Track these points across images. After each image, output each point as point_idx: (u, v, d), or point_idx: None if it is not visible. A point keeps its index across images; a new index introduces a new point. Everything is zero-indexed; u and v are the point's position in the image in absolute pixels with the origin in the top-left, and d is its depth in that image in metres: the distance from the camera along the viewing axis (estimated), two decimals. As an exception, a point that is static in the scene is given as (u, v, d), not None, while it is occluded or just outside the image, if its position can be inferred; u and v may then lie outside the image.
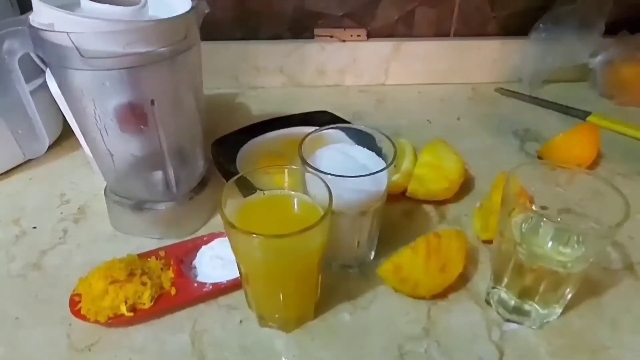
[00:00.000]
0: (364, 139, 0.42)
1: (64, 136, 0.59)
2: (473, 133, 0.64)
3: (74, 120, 0.43)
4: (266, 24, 0.71)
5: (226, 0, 0.69)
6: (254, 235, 0.30)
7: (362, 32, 0.72)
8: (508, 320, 0.38)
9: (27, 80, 0.51)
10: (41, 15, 0.34)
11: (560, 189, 0.39)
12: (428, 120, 0.66)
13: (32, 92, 0.51)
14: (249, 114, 0.68)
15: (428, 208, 0.50)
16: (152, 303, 0.37)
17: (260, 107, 0.69)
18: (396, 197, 0.49)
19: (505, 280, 0.37)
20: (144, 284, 0.38)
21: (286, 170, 0.36)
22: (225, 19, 0.70)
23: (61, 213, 0.49)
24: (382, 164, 0.39)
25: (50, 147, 0.57)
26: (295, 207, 0.36)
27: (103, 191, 0.46)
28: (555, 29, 0.67)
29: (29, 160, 0.56)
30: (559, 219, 0.37)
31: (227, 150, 0.53)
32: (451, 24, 0.73)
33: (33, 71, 0.53)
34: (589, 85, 0.73)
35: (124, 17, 0.35)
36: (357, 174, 0.36)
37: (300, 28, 0.72)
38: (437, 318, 0.39)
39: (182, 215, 0.45)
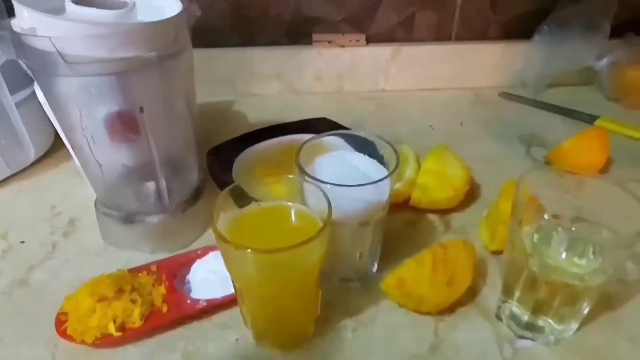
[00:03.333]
0: (364, 146, 0.40)
1: (55, 147, 0.57)
2: (477, 139, 0.62)
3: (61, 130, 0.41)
4: (263, 29, 0.70)
5: (222, 6, 0.67)
6: (248, 250, 0.28)
7: (361, 37, 0.70)
8: (521, 337, 0.36)
9: (17, 89, 0.50)
10: (23, 19, 0.32)
11: (571, 195, 0.37)
12: (430, 126, 0.65)
13: (22, 102, 0.50)
14: (245, 122, 0.66)
15: (432, 217, 0.48)
16: (143, 321, 0.35)
17: (257, 114, 0.67)
18: (399, 206, 0.47)
19: (517, 293, 0.35)
20: (133, 301, 0.36)
21: (283, 180, 0.34)
22: (221, 25, 0.69)
23: (50, 226, 0.47)
24: (384, 172, 0.37)
25: (40, 158, 0.56)
26: (293, 218, 0.34)
27: (94, 203, 0.45)
28: (559, 31, 0.65)
29: (19, 172, 0.54)
30: (573, 228, 0.35)
31: (222, 160, 0.52)
32: (452, 27, 0.71)
33: (23, 80, 0.51)
34: (595, 88, 0.71)
35: (108, 21, 0.34)
36: (358, 183, 0.34)
37: (298, 34, 0.70)
38: (444, 335, 0.36)
39: (175, 228, 0.43)
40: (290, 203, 0.34)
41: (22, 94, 0.50)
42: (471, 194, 0.50)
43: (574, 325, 0.35)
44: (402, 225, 0.47)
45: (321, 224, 0.31)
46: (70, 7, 0.34)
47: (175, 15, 0.35)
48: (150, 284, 0.38)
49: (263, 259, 0.29)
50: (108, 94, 0.35)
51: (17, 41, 0.33)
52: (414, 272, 0.36)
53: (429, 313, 0.37)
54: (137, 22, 0.35)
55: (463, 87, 0.73)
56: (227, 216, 0.33)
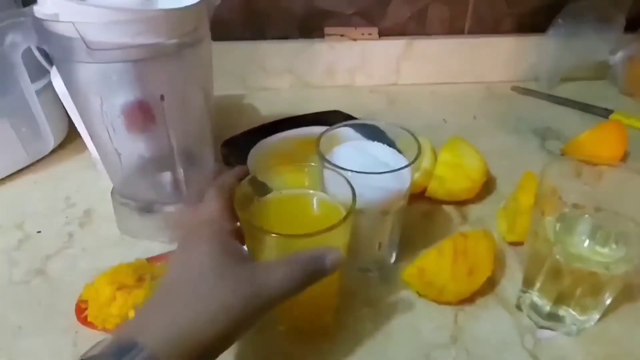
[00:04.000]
0: (381, 138, 0.40)
1: (69, 138, 0.57)
2: (491, 132, 0.62)
3: (80, 119, 0.41)
4: (274, 23, 0.69)
5: (233, 0, 0.67)
6: (274, 235, 0.28)
7: (374, 30, 0.70)
8: (542, 327, 0.36)
9: (32, 80, 0.50)
10: (45, 5, 0.32)
11: (590, 187, 0.37)
12: (444, 119, 0.64)
13: (36, 93, 0.50)
14: (257, 115, 0.66)
15: (449, 209, 0.47)
16: (162, 310, 0.35)
17: (269, 108, 0.67)
18: (415, 197, 0.47)
19: (539, 284, 0.35)
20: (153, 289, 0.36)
21: (305, 168, 0.34)
22: (232, 19, 0.68)
23: (66, 217, 0.47)
24: (403, 161, 0.37)
25: (55, 150, 0.56)
26: (315, 206, 0.34)
27: (110, 193, 0.45)
28: (573, 25, 0.65)
29: (34, 163, 0.54)
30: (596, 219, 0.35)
31: (237, 151, 0.51)
32: (465, 21, 0.71)
33: (37, 71, 0.51)
34: (609, 82, 0.71)
35: (131, 7, 0.33)
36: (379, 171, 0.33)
37: (309, 27, 0.70)
38: (464, 325, 0.36)
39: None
40: (312, 191, 0.34)
41: (38, 85, 0.50)
42: (487, 186, 0.49)
43: (596, 316, 0.35)
44: (418, 216, 0.47)
45: (344, 212, 0.30)
46: (92, -6, 0.34)
47: (196, 3, 0.35)
48: (169, 272, 0.38)
49: (288, 245, 0.29)
50: (128, 82, 0.35)
51: (40, 27, 0.32)
52: (434, 262, 0.36)
53: (448, 303, 0.37)
54: (159, 9, 0.35)
55: (476, 81, 0.73)
56: (247, 204, 0.33)
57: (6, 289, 0.40)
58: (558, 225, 0.34)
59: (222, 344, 0.25)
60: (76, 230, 0.46)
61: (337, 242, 0.30)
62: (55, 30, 0.32)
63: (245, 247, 0.31)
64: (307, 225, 0.30)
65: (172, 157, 0.41)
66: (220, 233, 0.28)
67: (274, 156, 0.52)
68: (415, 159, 0.34)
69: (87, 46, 0.31)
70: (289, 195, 0.34)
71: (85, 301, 0.35)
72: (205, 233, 0.28)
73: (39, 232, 0.45)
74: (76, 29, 0.30)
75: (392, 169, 0.34)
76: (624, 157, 0.54)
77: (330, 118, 0.58)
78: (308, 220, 0.33)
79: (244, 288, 0.25)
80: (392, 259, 0.41)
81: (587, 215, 0.35)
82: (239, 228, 0.31)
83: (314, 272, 0.27)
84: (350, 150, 0.38)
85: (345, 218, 0.29)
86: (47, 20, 0.31)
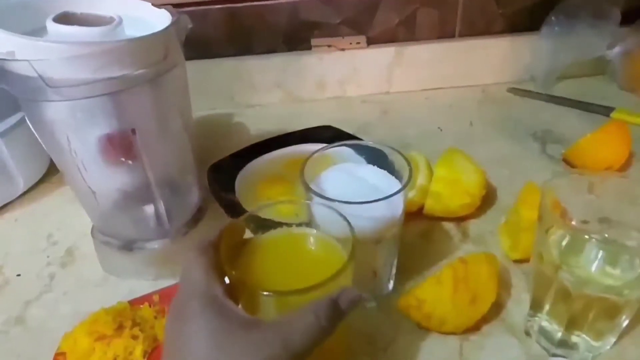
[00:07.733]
0: (373, 155, 0.37)
1: (52, 171, 0.55)
2: (488, 139, 0.59)
3: (53, 155, 0.39)
4: (260, 37, 0.67)
5: (216, 15, 0.65)
6: (267, 294, 0.25)
7: (362, 39, 0.68)
8: (554, 355, 0.33)
9: (8, 114, 0.48)
10: (0, 43, 0.30)
11: (595, 196, 0.34)
12: (439, 127, 0.62)
13: (14, 127, 0.48)
14: (247, 133, 0.64)
15: (448, 226, 0.45)
16: (145, 359, 0.33)
17: (259, 125, 0.65)
18: (412, 216, 0.45)
19: (547, 307, 0.32)
20: (135, 337, 0.33)
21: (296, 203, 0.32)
22: (217, 35, 0.66)
23: (47, 257, 0.45)
24: (396, 183, 0.35)
25: (36, 184, 0.54)
26: (310, 245, 0.31)
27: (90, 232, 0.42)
28: (568, 21, 0.63)
29: (15, 200, 0.52)
30: (606, 235, 0.32)
31: (224, 177, 0.49)
32: (455, 24, 0.69)
33: (12, 104, 0.49)
34: (608, 78, 0.68)
35: (93, 39, 0.31)
36: (369, 199, 0.31)
37: (296, 39, 0.68)
38: (470, 356, 0.34)
39: (176, 253, 0.41)
40: (303, 229, 0.31)
41: (13, 120, 0.48)
42: (487, 199, 0.47)
43: (612, 340, 0.33)
44: (416, 236, 0.44)
45: (341, 249, 0.29)
46: (52, 26, 0.32)
47: (163, 30, 0.33)
48: (153, 316, 0.35)
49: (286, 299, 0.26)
50: (97, 117, 0.33)
51: (-4, 67, 0.30)
52: (433, 292, 0.33)
53: (452, 333, 0.35)
54: (121, 39, 0.33)
55: (470, 85, 0.70)
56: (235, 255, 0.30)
57: (-16, 340, 0.38)
58: (564, 243, 0.32)
59: None
60: (57, 271, 0.43)
61: (343, 282, 0.28)
62: (12, 69, 0.30)
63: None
64: (304, 271, 0.28)
65: (151, 190, 0.39)
66: (211, 303, 0.24)
67: (262, 179, 0.50)
68: (406, 184, 0.32)
69: (47, 84, 0.29)
70: (280, 236, 0.31)
71: (63, 353, 0.33)
72: (191, 309, 0.24)
73: (19, 275, 0.43)
74: (33, 68, 0.28)
75: (383, 192, 0.32)
76: (630, 158, 0.52)
77: (321, 134, 0.56)
78: (305, 264, 0.30)
79: (260, 352, 0.22)
80: (390, 287, 0.38)
81: (594, 233, 0.32)
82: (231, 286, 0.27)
83: (334, 317, 0.25)
84: (338, 175, 0.36)
85: (349, 260, 0.27)
86: (2, 59, 0.29)
